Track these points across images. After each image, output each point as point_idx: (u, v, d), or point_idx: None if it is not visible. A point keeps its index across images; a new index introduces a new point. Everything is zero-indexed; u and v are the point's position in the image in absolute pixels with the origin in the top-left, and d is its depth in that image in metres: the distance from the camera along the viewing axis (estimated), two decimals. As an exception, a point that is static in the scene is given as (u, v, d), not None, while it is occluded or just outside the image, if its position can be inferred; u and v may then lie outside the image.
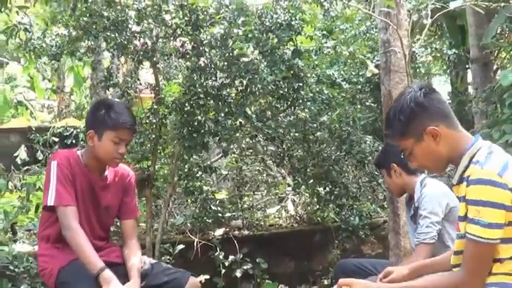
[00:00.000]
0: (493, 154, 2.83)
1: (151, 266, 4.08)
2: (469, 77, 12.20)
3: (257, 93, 5.52)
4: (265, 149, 7.23)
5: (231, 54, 5.18)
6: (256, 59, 5.35)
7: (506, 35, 10.29)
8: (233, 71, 5.21)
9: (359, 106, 6.77)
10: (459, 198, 2.93)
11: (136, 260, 3.97)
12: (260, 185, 8.05)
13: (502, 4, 6.19)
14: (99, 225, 4.08)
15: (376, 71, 5.52)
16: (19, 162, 11.51)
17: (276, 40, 5.36)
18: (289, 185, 7.93)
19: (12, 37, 6.73)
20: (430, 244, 4.16)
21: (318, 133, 6.55)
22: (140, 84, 5.90)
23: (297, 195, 7.86)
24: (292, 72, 5.42)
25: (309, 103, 5.80)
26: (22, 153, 11.72)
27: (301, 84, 5.55)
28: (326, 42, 5.67)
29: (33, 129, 12.51)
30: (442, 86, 14.47)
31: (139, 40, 5.44)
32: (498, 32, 9.48)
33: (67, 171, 3.82)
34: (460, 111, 12.50)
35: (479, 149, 2.87)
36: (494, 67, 10.65)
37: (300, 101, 5.81)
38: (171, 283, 3.97)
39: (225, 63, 5.31)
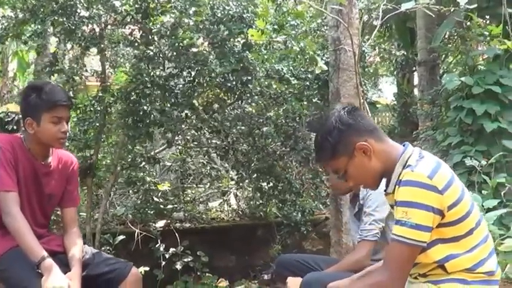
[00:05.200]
0: (423, 158, 2.86)
1: (92, 256, 3.99)
2: (415, 79, 12.37)
3: (205, 84, 5.47)
4: (209, 141, 7.17)
5: (180, 44, 5.12)
6: (206, 50, 5.30)
7: (454, 40, 10.45)
8: (182, 61, 5.16)
9: (305, 103, 6.76)
10: (392, 206, 2.95)
11: (78, 249, 3.88)
12: (203, 178, 8.01)
13: (452, 9, 6.26)
14: (41, 213, 3.97)
15: (325, 67, 5.54)
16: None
17: (226, 32, 5.32)
18: (232, 179, 7.91)
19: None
20: (371, 241, 4.16)
21: (264, 128, 6.53)
22: (86, 71, 5.79)
23: (240, 190, 7.85)
24: (242, 65, 5.38)
25: (256, 97, 5.79)
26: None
27: (249, 77, 5.52)
28: (276, 37, 5.65)
29: (-27, 113, 12.21)
30: (389, 86, 14.65)
31: (87, 26, 5.33)
32: (446, 36, 9.63)
33: (10, 156, 3.71)
34: (405, 112, 12.68)
35: (410, 155, 2.90)
36: (440, 71, 10.81)
37: (248, 94, 5.79)
38: (113, 273, 3.89)
39: (174, 53, 5.24)
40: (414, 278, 2.93)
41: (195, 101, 5.68)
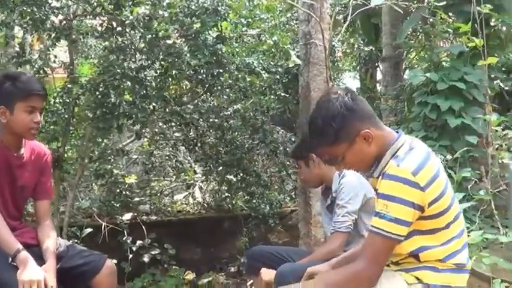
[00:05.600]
0: (413, 151, 2.85)
1: (66, 248, 3.97)
2: (379, 75, 12.46)
3: (176, 76, 5.43)
4: (177, 134, 7.14)
5: (154, 35, 5.07)
6: (175, 42, 5.27)
7: (418, 36, 10.55)
8: (155, 52, 5.11)
9: (272, 96, 6.78)
10: (376, 192, 2.93)
11: (52, 241, 3.85)
12: (169, 171, 7.98)
13: (417, 5, 6.34)
14: (14, 205, 3.92)
15: (298, 61, 5.57)
16: None
17: (199, 24, 5.28)
18: (196, 172, 7.91)
19: None
20: (344, 233, 4.20)
21: (232, 121, 6.53)
22: (54, 62, 5.72)
23: (205, 183, 7.84)
24: (215, 58, 5.36)
25: (228, 90, 5.77)
26: None
27: (221, 70, 5.50)
28: (247, 31, 5.65)
29: None
30: (352, 81, 14.70)
31: (56, 16, 5.25)
32: (410, 32, 9.73)
33: None
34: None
35: (402, 144, 2.90)
36: (404, 67, 10.91)
37: (219, 87, 5.77)
38: (88, 265, 3.87)
39: (147, 45, 5.18)
40: (386, 265, 2.93)
41: (166, 93, 5.64)
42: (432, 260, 2.86)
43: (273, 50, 6.37)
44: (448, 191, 2.88)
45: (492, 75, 7.55)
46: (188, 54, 5.16)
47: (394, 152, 2.88)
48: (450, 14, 8.63)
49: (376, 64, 11.76)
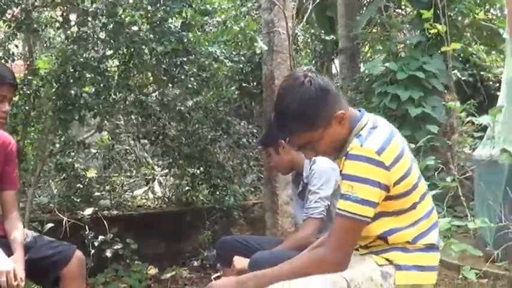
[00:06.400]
0: (376, 129, 2.77)
1: (34, 239, 3.87)
2: (333, 69, 12.50)
3: (140, 64, 5.33)
4: (137, 127, 7.01)
5: (120, 23, 4.93)
6: (140, 29, 5.17)
7: (373, 27, 10.61)
8: (120, 41, 4.98)
9: (233, 88, 6.73)
10: (340, 173, 2.81)
11: (19, 233, 3.75)
12: (129, 165, 7.87)
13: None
14: (-22, 196, 3.82)
15: (265, 47, 5.52)
16: None
17: (163, 11, 5.17)
18: (157, 166, 7.82)
19: None
20: (318, 219, 4.15)
21: (192, 112, 6.44)
22: (13, 54, 5.59)
23: (164, 177, 7.76)
24: (181, 45, 5.26)
25: (192, 79, 5.66)
26: None
27: (189, 57, 5.40)
28: (212, 18, 5.58)
29: None
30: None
31: (17, 7, 5.10)
32: (365, 24, 9.79)
33: None
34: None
35: (366, 123, 2.80)
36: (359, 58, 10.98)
37: (182, 77, 5.66)
38: (57, 256, 3.76)
39: (111, 33, 5.06)
40: (355, 249, 2.87)
41: (130, 83, 5.53)
42: (401, 241, 2.81)
43: (235, 39, 6.30)
44: (414, 170, 2.82)
45: (450, 65, 7.62)
46: (154, 42, 5.05)
47: (357, 132, 2.78)
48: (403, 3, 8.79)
49: (332, 57, 11.78)
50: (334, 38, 7.65)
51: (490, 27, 8.72)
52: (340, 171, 2.82)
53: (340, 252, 2.72)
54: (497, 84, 11.17)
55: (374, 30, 10.48)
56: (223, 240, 4.77)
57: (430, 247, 2.87)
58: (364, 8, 10.26)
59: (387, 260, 2.83)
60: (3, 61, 5.37)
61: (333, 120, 2.76)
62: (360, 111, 2.90)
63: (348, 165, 2.69)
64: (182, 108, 6.15)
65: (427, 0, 7.79)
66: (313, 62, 11.78)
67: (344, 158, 2.74)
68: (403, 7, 10.37)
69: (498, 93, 11.02)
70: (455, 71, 8.23)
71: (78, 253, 3.87)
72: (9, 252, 3.57)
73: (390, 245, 2.83)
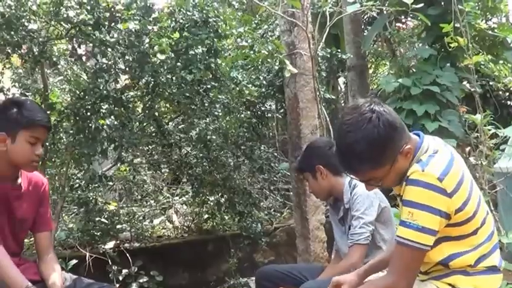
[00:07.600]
0: (437, 154, 2.70)
1: (73, 283, 3.76)
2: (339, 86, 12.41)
3: (165, 95, 5.19)
4: (156, 157, 6.87)
5: (146, 52, 4.79)
6: (168, 57, 5.04)
7: (380, 42, 10.54)
8: (146, 70, 4.83)
9: (253, 112, 6.62)
10: (400, 199, 2.78)
11: (57, 276, 3.63)
12: (147, 194, 7.74)
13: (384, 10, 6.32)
14: (13, 239, 3.68)
15: (295, 70, 5.39)
16: None
17: (190, 40, 5.06)
18: (175, 195, 7.71)
19: None
20: (364, 245, 4.05)
21: (213, 137, 6.31)
22: (29, 89, 5.46)
23: (182, 206, 7.65)
24: (210, 72, 5.14)
25: (217, 105, 5.54)
26: None
27: (209, 86, 5.28)
28: (239, 42, 5.47)
29: None
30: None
31: (32, 40, 4.94)
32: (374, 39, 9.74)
33: None
34: (334, 119, 12.72)
35: (427, 149, 2.73)
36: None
37: (206, 104, 5.53)
38: (99, 298, 3.66)
39: (134, 63, 4.89)
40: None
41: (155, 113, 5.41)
42: (463, 266, 2.76)
43: (254, 63, 6.18)
44: (473, 194, 2.75)
45: (474, 78, 7.52)
46: (181, 70, 4.92)
47: (418, 158, 2.72)
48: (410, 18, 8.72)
49: (338, 75, 11.68)
50: (340, 55, 7.56)
51: (493, 36, 8.64)
52: (400, 196, 2.75)
53: (404, 281, 2.68)
54: (507, 94, 11.17)
55: (380, 46, 10.43)
56: (262, 271, 4.68)
57: (492, 269, 2.81)
58: (371, 24, 10.15)
59: (449, 284, 2.79)
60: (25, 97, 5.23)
61: (400, 155, 2.68)
62: (418, 135, 2.82)
63: (408, 190, 2.63)
64: (203, 135, 6.03)
65: (436, 13, 7.72)
66: (319, 79, 11.70)
67: (404, 183, 2.67)
68: (403, 20, 10.31)
69: (509, 102, 11.09)
70: (465, 82, 8.14)
71: (120, 293, 3.76)
72: (48, 298, 3.45)
73: (451, 269, 2.78)
